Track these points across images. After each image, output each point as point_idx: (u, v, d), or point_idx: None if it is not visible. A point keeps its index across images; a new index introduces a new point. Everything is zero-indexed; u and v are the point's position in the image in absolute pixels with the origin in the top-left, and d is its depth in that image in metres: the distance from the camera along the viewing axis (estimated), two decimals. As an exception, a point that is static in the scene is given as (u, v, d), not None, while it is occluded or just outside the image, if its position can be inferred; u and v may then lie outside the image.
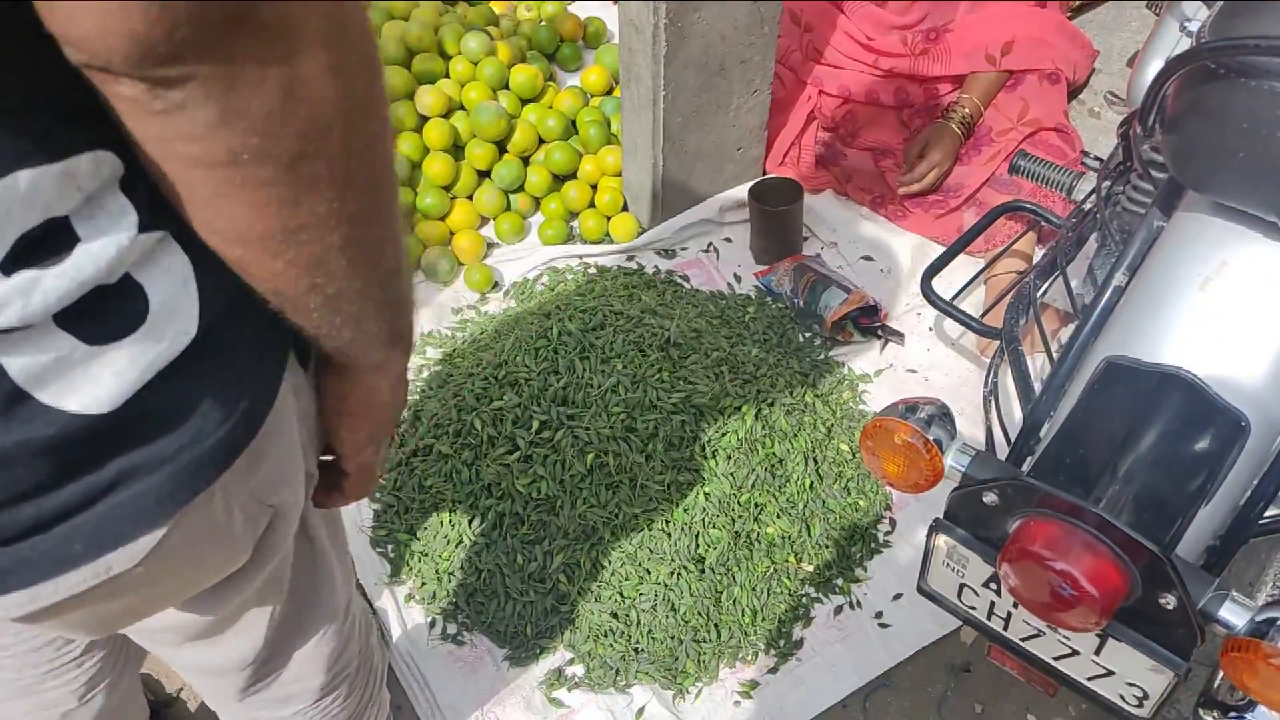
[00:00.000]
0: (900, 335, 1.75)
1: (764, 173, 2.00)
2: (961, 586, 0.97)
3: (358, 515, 1.56)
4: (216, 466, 0.53)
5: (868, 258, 1.91)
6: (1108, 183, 1.21)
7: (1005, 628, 0.96)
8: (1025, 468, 1.00)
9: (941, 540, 0.94)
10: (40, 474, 0.47)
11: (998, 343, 1.32)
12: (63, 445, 0.47)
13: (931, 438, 0.91)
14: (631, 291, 1.58)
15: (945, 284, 1.59)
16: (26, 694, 0.79)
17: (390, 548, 1.53)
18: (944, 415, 0.95)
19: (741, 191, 1.92)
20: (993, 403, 1.18)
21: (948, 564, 0.97)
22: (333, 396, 0.64)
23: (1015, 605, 0.92)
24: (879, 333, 1.75)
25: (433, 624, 1.46)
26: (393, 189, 0.50)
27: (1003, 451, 1.13)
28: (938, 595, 1.02)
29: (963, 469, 0.91)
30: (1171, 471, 0.83)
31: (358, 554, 1.52)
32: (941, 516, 0.93)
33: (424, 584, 1.49)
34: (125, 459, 0.50)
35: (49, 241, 0.43)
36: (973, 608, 0.98)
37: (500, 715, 1.39)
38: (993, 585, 0.94)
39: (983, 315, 1.37)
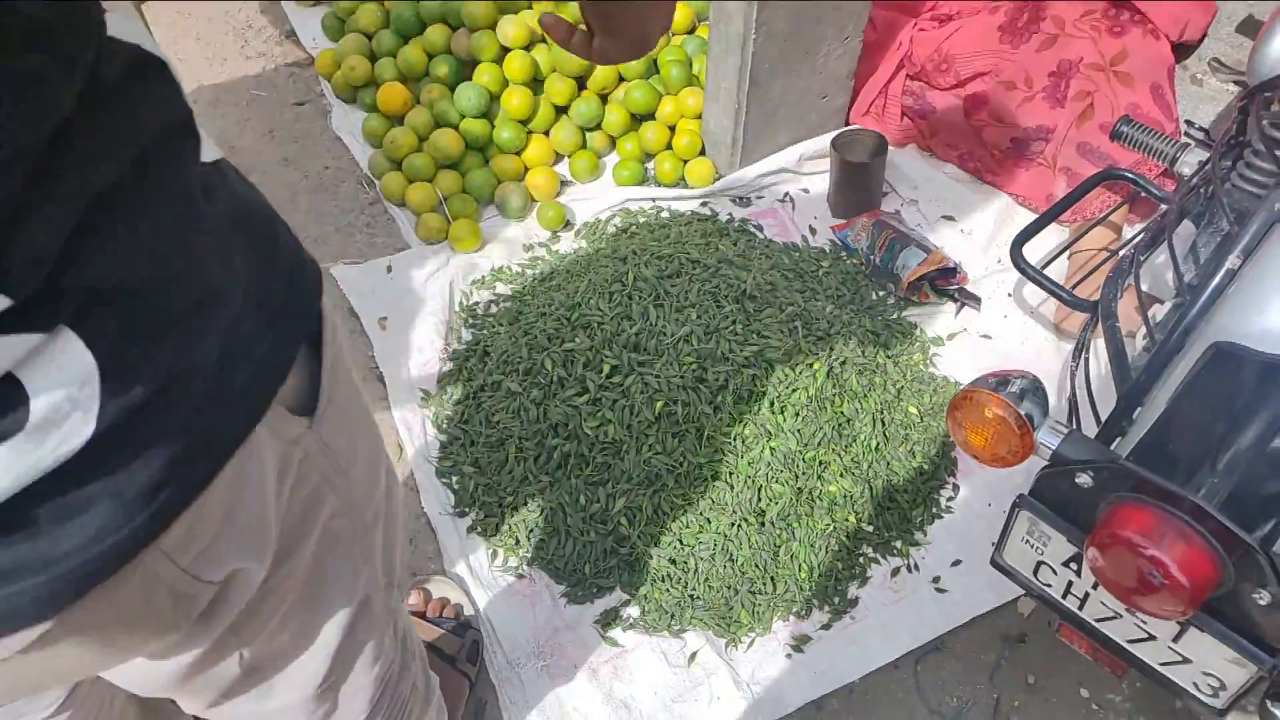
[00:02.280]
0: (978, 300, 1.71)
1: (847, 123, 1.95)
2: (1039, 564, 0.96)
3: (424, 446, 1.59)
4: (112, 566, 0.47)
5: (949, 217, 1.86)
6: (1221, 158, 1.16)
7: (1080, 607, 0.95)
8: (1114, 448, 0.98)
9: (1025, 516, 0.93)
10: None
11: (1082, 316, 1.29)
12: None
13: (1024, 413, 0.89)
14: (708, 240, 1.56)
15: (1030, 252, 1.55)
16: None
17: (455, 479, 1.55)
18: (1036, 390, 0.93)
19: (823, 141, 1.87)
20: (1082, 377, 1.15)
21: (1027, 540, 0.96)
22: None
23: (1094, 586, 0.92)
24: (956, 296, 1.72)
25: (494, 556, 1.49)
26: None
27: (1087, 428, 1.10)
28: (1012, 570, 1.01)
29: (1053, 447, 0.90)
30: (1276, 465, 0.81)
31: (423, 483, 1.55)
32: (1027, 494, 0.92)
33: (486, 517, 1.51)
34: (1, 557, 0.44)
35: None
36: (1048, 585, 0.97)
37: (555, 650, 1.41)
38: (1073, 565, 0.93)
39: (1073, 286, 1.33)
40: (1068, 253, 1.62)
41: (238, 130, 2.03)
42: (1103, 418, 1.08)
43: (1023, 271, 1.32)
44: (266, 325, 0.53)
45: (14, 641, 0.47)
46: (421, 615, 1.37)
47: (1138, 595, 0.81)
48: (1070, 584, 0.95)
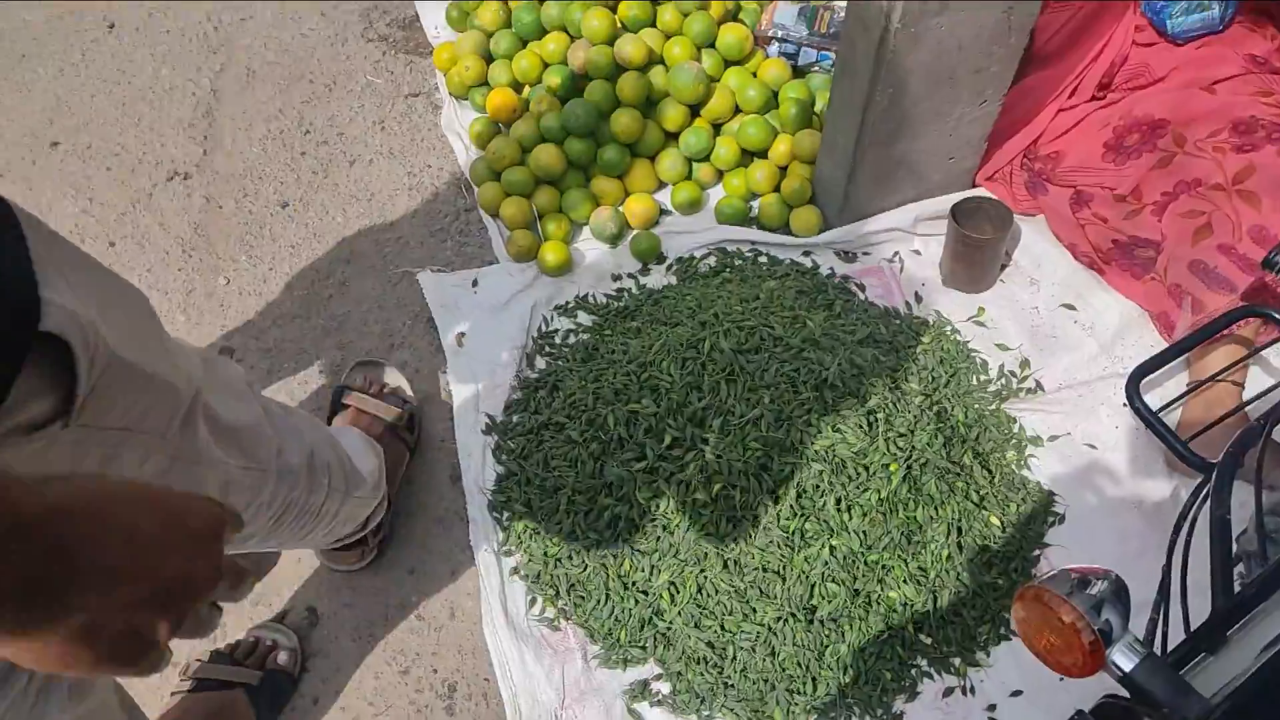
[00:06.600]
0: None
1: (973, 184, 1.81)
2: (1091, 781, 0.86)
3: (480, 476, 1.56)
4: None
5: (1069, 306, 1.71)
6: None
7: (1131, 837, 0.85)
8: (1193, 670, 0.87)
9: (1080, 734, 0.83)
10: None
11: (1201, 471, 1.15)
12: None
13: (1099, 627, 0.79)
14: (796, 312, 1.46)
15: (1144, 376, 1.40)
16: None
17: (506, 516, 1.52)
18: (1117, 595, 0.82)
19: (943, 204, 1.74)
20: (1180, 552, 1.03)
21: (1081, 754, 0.85)
22: None
23: (1149, 826, 0.81)
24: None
25: (533, 602, 1.46)
26: None
27: (1175, 619, 0.98)
28: (1061, 772, 0.91)
29: (1125, 670, 0.79)
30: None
31: (474, 516, 1.53)
32: (1088, 711, 0.82)
33: (530, 560, 1.48)
34: None
35: None
36: (1098, 801, 0.87)
37: (578, 714, 1.38)
38: (1127, 794, 0.83)
39: (1189, 438, 1.19)
40: (1186, 388, 1.47)
41: (349, 117, 2.02)
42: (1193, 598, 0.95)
43: (1137, 412, 1.18)
44: None
45: None
46: (365, 391, 1.56)
47: None
48: (1123, 811, 0.84)
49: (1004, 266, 1.76)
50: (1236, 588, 0.94)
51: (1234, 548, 1.00)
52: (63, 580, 0.44)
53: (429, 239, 1.86)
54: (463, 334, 1.72)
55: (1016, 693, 1.39)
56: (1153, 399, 1.37)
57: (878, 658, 1.38)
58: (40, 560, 0.43)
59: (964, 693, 1.39)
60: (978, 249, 1.64)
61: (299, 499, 1.05)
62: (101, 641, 0.48)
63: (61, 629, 0.45)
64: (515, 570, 1.49)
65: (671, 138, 1.86)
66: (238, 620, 1.44)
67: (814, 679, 1.37)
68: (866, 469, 1.34)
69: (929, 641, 1.40)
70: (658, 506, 1.37)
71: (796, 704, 1.36)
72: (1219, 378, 1.42)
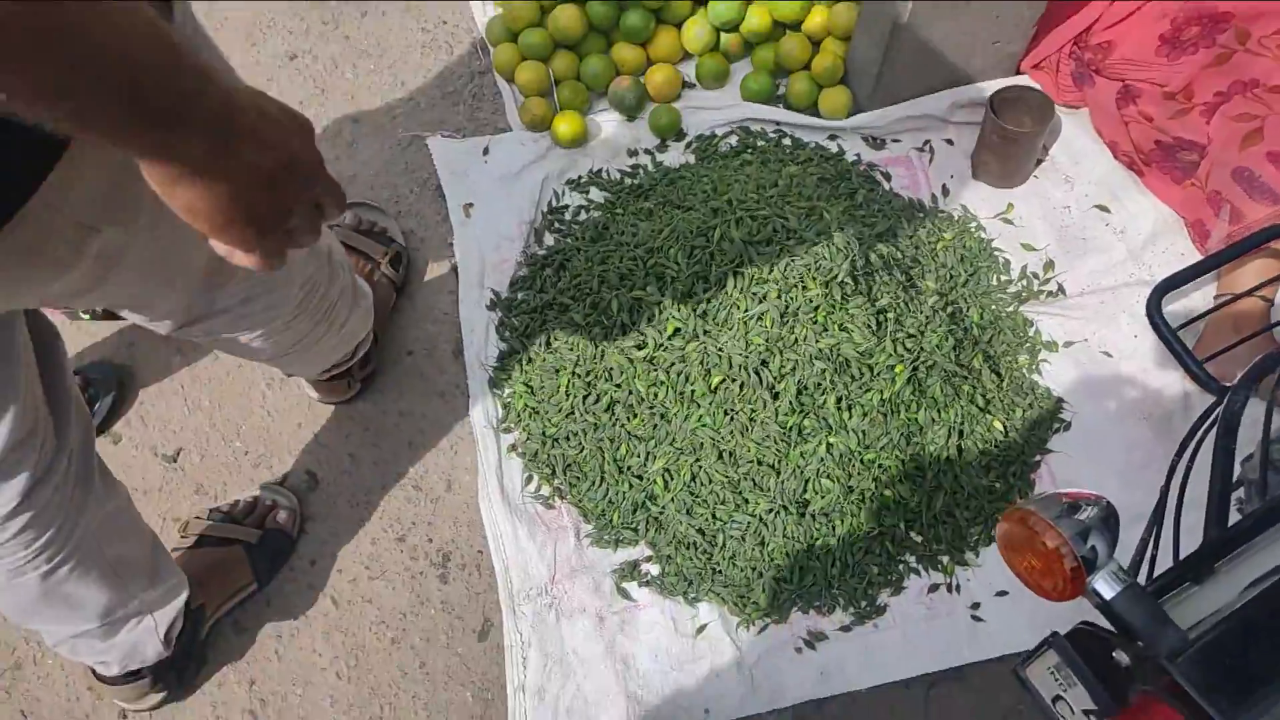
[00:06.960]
0: None
1: (1017, 71, 1.70)
2: (1059, 697, 0.87)
3: (482, 352, 1.55)
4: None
5: (1102, 208, 1.63)
6: None
7: (1092, 753, 0.86)
8: (1175, 598, 0.86)
9: (1053, 654, 0.83)
10: None
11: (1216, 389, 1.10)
12: None
13: (1082, 555, 0.77)
14: (814, 205, 1.40)
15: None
16: None
17: (507, 393, 1.52)
18: (1105, 522, 0.80)
19: (982, 91, 1.64)
20: (1180, 477, 1.00)
21: (1052, 673, 0.86)
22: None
23: (1110, 746, 0.82)
24: None
25: (529, 480, 1.47)
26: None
27: (1166, 542, 0.97)
28: (1031, 688, 0.91)
29: (1105, 598, 0.78)
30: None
31: (474, 390, 1.53)
32: (1063, 634, 0.82)
33: (528, 439, 1.48)
34: None
35: None
36: (1064, 718, 0.88)
37: (567, 589, 1.41)
38: (1092, 716, 0.83)
39: (1207, 358, 1.14)
40: (1212, 300, 1.41)
41: (362, -35, 1.92)
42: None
43: (1156, 328, 1.13)
44: None
45: None
46: (355, 229, 1.59)
47: (1148, 798, 0.72)
48: (1086, 729, 0.85)
49: (1039, 162, 1.67)
50: (1233, 517, 0.92)
51: (1237, 471, 0.98)
52: (233, 131, 0.53)
53: (440, 101, 1.79)
54: (470, 204, 1.67)
55: (1002, 593, 1.40)
56: (1177, 308, 1.33)
57: (866, 552, 1.39)
58: (219, 108, 0.52)
59: (949, 590, 1.40)
60: (1013, 142, 1.55)
61: (322, 282, 1.12)
62: (254, 200, 0.57)
63: (229, 174, 0.54)
64: (513, 448, 1.49)
65: (700, 4, 1.75)
66: (238, 480, 1.47)
67: (801, 569, 1.38)
68: (871, 369, 1.31)
69: (919, 539, 1.41)
70: (656, 395, 1.36)
71: (782, 592, 1.38)
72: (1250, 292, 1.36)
